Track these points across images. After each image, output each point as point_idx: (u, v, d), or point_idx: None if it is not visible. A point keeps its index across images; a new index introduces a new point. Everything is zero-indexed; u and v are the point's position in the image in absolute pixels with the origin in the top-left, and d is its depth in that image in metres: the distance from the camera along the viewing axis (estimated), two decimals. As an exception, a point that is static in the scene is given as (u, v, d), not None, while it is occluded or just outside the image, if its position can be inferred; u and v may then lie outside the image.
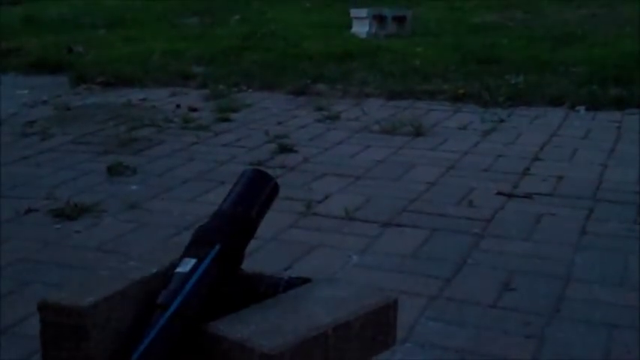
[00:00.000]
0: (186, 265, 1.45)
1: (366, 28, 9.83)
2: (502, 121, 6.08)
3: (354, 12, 10.12)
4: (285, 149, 5.22)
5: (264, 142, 5.46)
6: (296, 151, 5.21)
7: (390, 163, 4.96)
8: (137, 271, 1.50)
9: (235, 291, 1.52)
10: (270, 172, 1.72)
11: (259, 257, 3.29)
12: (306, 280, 1.62)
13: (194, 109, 6.48)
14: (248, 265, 1.58)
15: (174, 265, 1.49)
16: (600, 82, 6.96)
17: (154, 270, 1.50)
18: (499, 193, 4.35)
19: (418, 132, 5.64)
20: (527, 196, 4.33)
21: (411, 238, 3.72)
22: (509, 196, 4.33)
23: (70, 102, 6.81)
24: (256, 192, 1.60)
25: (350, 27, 10.08)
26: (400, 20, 10.11)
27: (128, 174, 4.75)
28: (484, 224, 3.90)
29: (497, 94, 6.78)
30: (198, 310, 1.43)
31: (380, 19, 9.96)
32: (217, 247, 1.48)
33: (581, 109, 6.42)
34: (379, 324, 1.54)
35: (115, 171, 4.76)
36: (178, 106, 6.62)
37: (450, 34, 9.84)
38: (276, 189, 1.64)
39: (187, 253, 1.50)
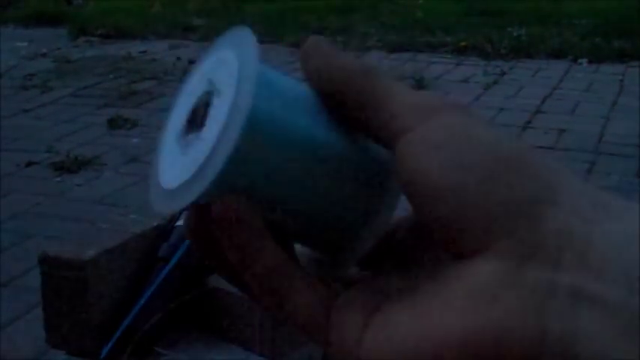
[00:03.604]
0: (187, 218, 1.45)
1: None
2: (504, 73, 6.05)
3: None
4: (286, 102, 5.19)
5: (264, 95, 5.43)
6: (297, 104, 5.18)
7: (392, 116, 4.94)
8: (138, 224, 1.49)
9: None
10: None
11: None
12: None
13: (194, 62, 6.44)
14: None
15: (175, 218, 1.48)
16: (603, 35, 6.91)
17: (155, 223, 1.50)
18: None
19: (420, 85, 5.61)
20: (529, 149, 4.32)
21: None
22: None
23: (69, 54, 6.77)
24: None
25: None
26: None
27: (128, 127, 4.74)
28: (485, 177, 3.89)
29: (500, 46, 6.74)
30: (199, 263, 1.43)
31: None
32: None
33: (584, 61, 6.38)
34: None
35: (115, 124, 4.75)
36: (179, 58, 6.58)
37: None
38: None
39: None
